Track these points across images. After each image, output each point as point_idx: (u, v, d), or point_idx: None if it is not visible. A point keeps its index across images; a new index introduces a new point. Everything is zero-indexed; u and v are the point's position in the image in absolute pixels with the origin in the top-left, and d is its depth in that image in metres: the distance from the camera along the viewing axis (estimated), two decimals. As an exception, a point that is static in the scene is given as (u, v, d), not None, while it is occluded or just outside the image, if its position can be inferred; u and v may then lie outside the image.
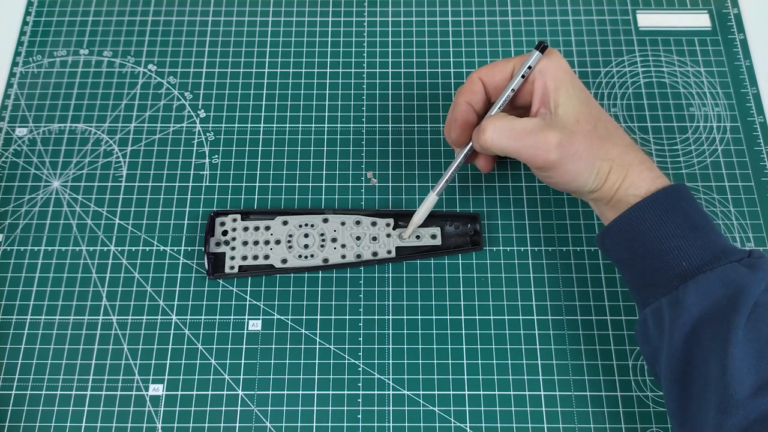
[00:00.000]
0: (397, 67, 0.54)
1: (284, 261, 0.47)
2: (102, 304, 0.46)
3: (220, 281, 0.47)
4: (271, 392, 0.44)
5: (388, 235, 0.48)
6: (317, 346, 0.45)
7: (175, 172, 0.51)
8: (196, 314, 0.46)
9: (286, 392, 0.44)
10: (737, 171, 0.51)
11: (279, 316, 0.46)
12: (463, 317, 0.46)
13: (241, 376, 0.44)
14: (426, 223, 0.47)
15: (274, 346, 0.45)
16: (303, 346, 0.45)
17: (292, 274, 0.47)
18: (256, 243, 0.48)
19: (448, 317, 0.46)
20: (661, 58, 0.55)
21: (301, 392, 0.44)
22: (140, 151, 0.51)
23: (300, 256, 0.47)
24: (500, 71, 0.42)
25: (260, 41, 0.56)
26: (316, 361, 0.45)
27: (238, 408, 0.44)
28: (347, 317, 0.46)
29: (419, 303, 0.46)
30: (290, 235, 0.48)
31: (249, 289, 0.47)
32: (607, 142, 0.39)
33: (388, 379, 0.44)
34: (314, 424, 0.43)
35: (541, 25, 0.56)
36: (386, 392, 0.44)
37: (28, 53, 0.55)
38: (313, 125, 0.52)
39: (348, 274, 0.47)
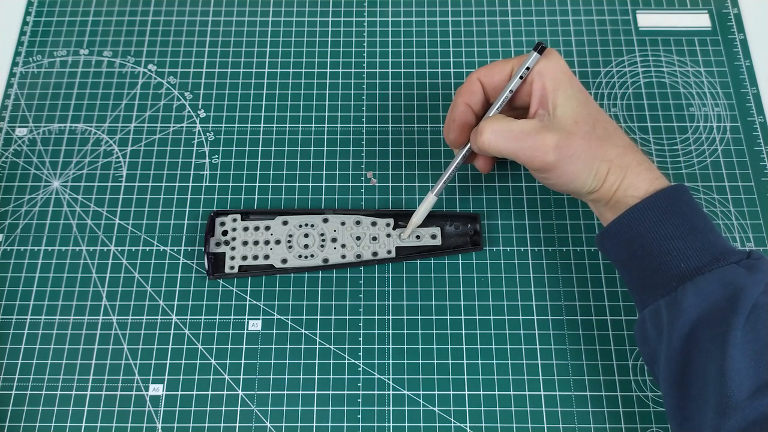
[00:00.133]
0: (397, 67, 0.54)
1: (284, 261, 0.47)
2: (102, 304, 0.46)
3: (220, 281, 0.47)
4: (271, 392, 0.44)
5: (388, 235, 0.48)
6: (317, 346, 0.45)
7: (175, 172, 0.51)
8: (196, 314, 0.46)
9: (286, 392, 0.44)
10: (737, 171, 0.51)
11: (279, 316, 0.46)
12: (463, 317, 0.46)
13: (241, 376, 0.44)
14: (426, 223, 0.47)
15: (274, 346, 0.45)
16: (303, 346, 0.45)
17: (292, 274, 0.47)
18: (256, 243, 0.48)
19: (448, 317, 0.46)
20: (661, 58, 0.55)
21: (301, 392, 0.44)
22: (140, 151, 0.51)
23: (300, 256, 0.47)
24: (499, 72, 0.42)
25: (260, 41, 0.56)
26: (316, 361, 0.45)
27: (238, 408, 0.44)
28: (347, 317, 0.46)
29: (419, 303, 0.46)
30: (290, 235, 0.48)
31: (249, 289, 0.47)
32: (606, 143, 0.39)
33: (388, 379, 0.44)
34: (314, 424, 0.43)
35: (541, 25, 0.56)
36: (386, 392, 0.44)
37: (28, 53, 0.55)
38: (313, 125, 0.52)
39: (348, 274, 0.47)
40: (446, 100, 0.53)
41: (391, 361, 0.45)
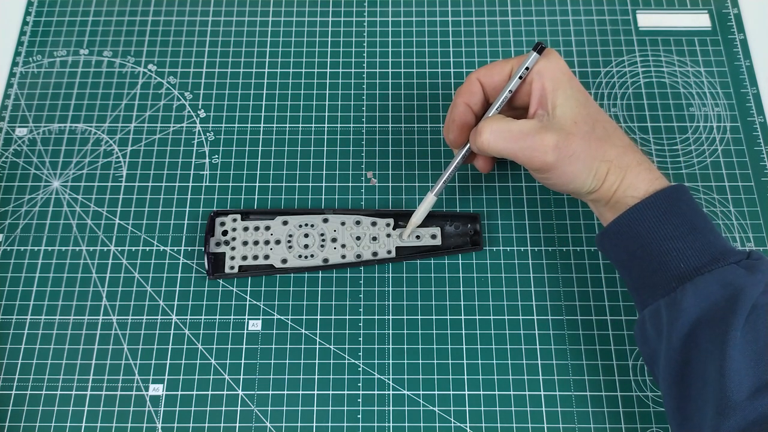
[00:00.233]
0: (397, 67, 0.54)
1: (284, 261, 0.47)
2: (102, 304, 0.46)
3: (220, 281, 0.47)
4: (271, 392, 0.44)
5: (388, 235, 0.48)
6: (317, 346, 0.45)
7: (175, 172, 0.51)
8: (196, 314, 0.46)
9: (286, 392, 0.44)
10: (737, 171, 0.51)
11: (279, 316, 0.46)
12: (463, 317, 0.46)
13: (241, 376, 0.44)
14: (426, 223, 0.47)
15: (274, 346, 0.45)
16: (303, 346, 0.45)
17: (292, 274, 0.47)
18: (256, 243, 0.48)
19: (448, 317, 0.46)
20: (661, 58, 0.55)
21: (301, 392, 0.44)
22: (140, 151, 0.51)
23: (300, 256, 0.47)
24: (498, 72, 0.42)
25: (260, 41, 0.56)
26: (316, 361, 0.45)
27: (238, 408, 0.44)
28: (347, 317, 0.46)
29: (419, 303, 0.46)
30: (290, 235, 0.48)
31: (249, 289, 0.47)
32: (605, 143, 0.39)
33: (388, 379, 0.44)
34: (314, 424, 0.43)
35: (541, 25, 0.56)
36: (386, 392, 0.44)
37: (28, 53, 0.55)
38: (313, 125, 0.52)
39: (348, 274, 0.47)
40: (446, 100, 0.53)
41: (391, 361, 0.45)
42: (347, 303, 0.46)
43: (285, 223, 0.48)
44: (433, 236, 0.48)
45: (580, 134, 0.39)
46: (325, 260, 0.47)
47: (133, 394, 0.44)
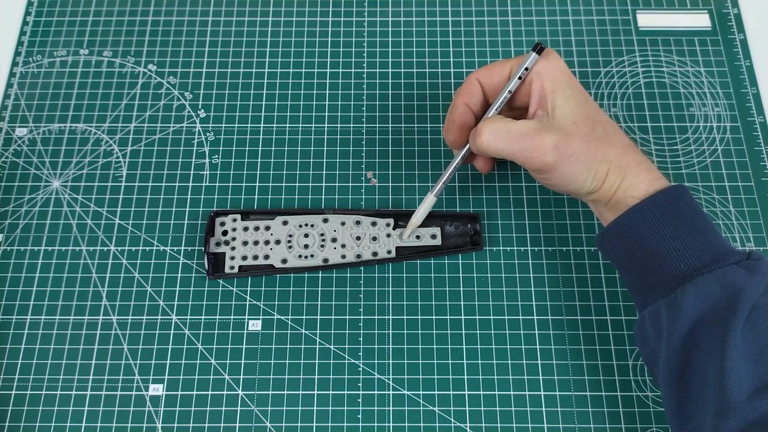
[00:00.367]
0: (397, 67, 0.54)
1: (284, 261, 0.47)
2: (102, 304, 0.46)
3: (220, 281, 0.47)
4: (271, 392, 0.44)
5: (388, 235, 0.48)
6: (317, 346, 0.45)
7: (175, 172, 0.51)
8: (196, 314, 0.46)
9: (286, 392, 0.44)
10: (737, 171, 0.51)
11: (279, 316, 0.46)
12: (463, 317, 0.46)
13: (241, 376, 0.44)
14: (426, 223, 0.47)
15: (274, 346, 0.45)
16: (303, 346, 0.45)
17: (292, 274, 0.47)
18: (256, 243, 0.48)
19: (448, 317, 0.46)
20: (661, 58, 0.55)
21: (301, 392, 0.44)
22: (140, 151, 0.51)
23: (300, 256, 0.47)
24: (498, 72, 0.42)
25: (260, 41, 0.56)
26: (316, 361, 0.45)
27: (238, 408, 0.44)
28: (347, 317, 0.46)
29: (419, 303, 0.46)
30: (290, 235, 0.48)
31: (249, 289, 0.47)
32: (605, 144, 0.39)
33: (388, 379, 0.44)
34: (314, 424, 0.43)
35: (541, 25, 0.56)
36: (386, 392, 0.44)
37: (28, 53, 0.55)
38: (313, 125, 0.52)
39: (348, 274, 0.47)
40: (446, 100, 0.53)
41: (391, 361, 0.45)
42: (347, 303, 0.46)
43: (285, 223, 0.48)
44: (433, 236, 0.48)
45: (579, 135, 0.39)
46: (325, 260, 0.47)
47: (133, 394, 0.44)
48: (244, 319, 0.46)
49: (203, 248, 0.47)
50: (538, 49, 0.41)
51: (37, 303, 0.47)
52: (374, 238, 0.48)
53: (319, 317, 0.46)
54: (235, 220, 0.48)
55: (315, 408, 0.44)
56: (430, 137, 0.52)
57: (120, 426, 0.43)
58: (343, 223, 0.48)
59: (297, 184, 0.50)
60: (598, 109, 0.41)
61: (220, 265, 0.47)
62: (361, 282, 0.47)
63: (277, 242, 0.48)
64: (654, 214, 0.37)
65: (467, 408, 0.44)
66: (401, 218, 0.48)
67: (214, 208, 0.49)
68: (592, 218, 0.49)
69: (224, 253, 0.47)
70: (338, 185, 0.50)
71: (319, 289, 0.47)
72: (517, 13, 0.56)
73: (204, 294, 0.47)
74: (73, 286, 0.47)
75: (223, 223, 0.48)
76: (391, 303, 0.46)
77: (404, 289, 0.47)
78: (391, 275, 0.47)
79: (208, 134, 0.52)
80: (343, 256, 0.47)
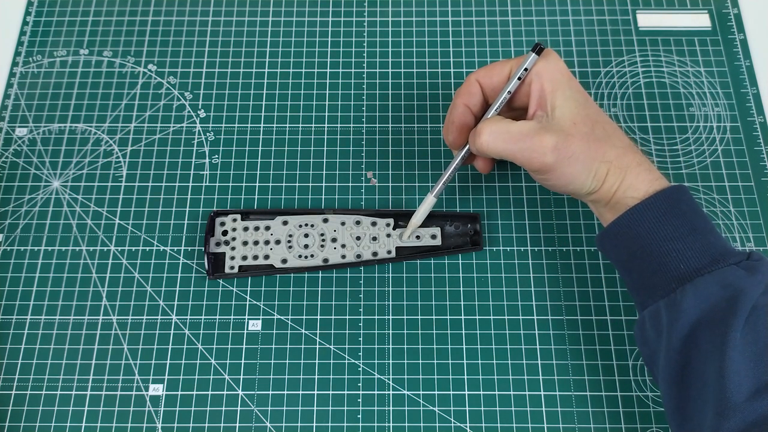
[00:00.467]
0: (397, 67, 0.54)
1: (284, 261, 0.47)
2: (102, 304, 0.46)
3: (220, 281, 0.47)
4: (271, 392, 0.44)
5: (388, 235, 0.48)
6: (317, 346, 0.45)
7: (175, 172, 0.51)
8: (196, 314, 0.46)
9: (286, 392, 0.44)
10: (737, 171, 0.51)
11: (279, 316, 0.46)
12: (463, 317, 0.46)
13: (241, 376, 0.44)
14: (426, 223, 0.47)
15: (274, 346, 0.45)
16: (303, 346, 0.45)
17: (292, 274, 0.47)
18: (256, 243, 0.48)
19: (448, 317, 0.46)
20: (661, 58, 0.55)
21: (301, 392, 0.44)
22: (140, 151, 0.51)
23: (300, 256, 0.47)
24: (497, 73, 0.42)
25: (260, 41, 0.56)
26: (316, 361, 0.45)
27: (238, 408, 0.44)
28: (347, 317, 0.46)
29: (419, 303, 0.46)
30: (290, 235, 0.48)
31: (249, 289, 0.47)
32: (605, 144, 0.39)
33: (388, 379, 0.44)
34: (314, 424, 0.43)
35: (540, 25, 0.56)
36: (386, 392, 0.44)
37: (28, 53, 0.55)
38: (313, 125, 0.52)
39: (348, 274, 0.47)
40: (446, 100, 0.53)
41: (391, 361, 0.45)
42: (347, 303, 0.46)
43: (285, 223, 0.48)
44: (433, 236, 0.48)
45: (579, 135, 0.38)
46: (325, 260, 0.47)
47: (133, 394, 0.44)
48: (244, 319, 0.46)
49: (203, 248, 0.47)
50: (538, 49, 0.41)
51: (37, 303, 0.47)
52: (374, 238, 0.48)
53: (319, 317, 0.46)
54: (235, 220, 0.48)
55: (315, 408, 0.44)
56: (430, 137, 0.52)
57: (120, 426, 0.43)
58: (343, 223, 0.48)
59: (297, 184, 0.50)
60: (597, 110, 0.41)
61: (220, 265, 0.47)
62: (361, 282, 0.47)
63: (277, 242, 0.48)
64: (654, 214, 0.37)
65: (467, 408, 0.44)
66: (401, 218, 0.48)
67: (214, 208, 0.49)
68: (592, 218, 0.49)
69: (224, 253, 0.47)
70: (338, 185, 0.50)
71: (319, 289, 0.47)
72: (517, 13, 0.56)
73: (204, 294, 0.47)
74: (73, 286, 0.47)
75: (223, 223, 0.48)
76: (391, 303, 0.46)
77: (404, 289, 0.47)
78: (391, 275, 0.47)
79: (208, 134, 0.52)
80: (343, 256, 0.47)
